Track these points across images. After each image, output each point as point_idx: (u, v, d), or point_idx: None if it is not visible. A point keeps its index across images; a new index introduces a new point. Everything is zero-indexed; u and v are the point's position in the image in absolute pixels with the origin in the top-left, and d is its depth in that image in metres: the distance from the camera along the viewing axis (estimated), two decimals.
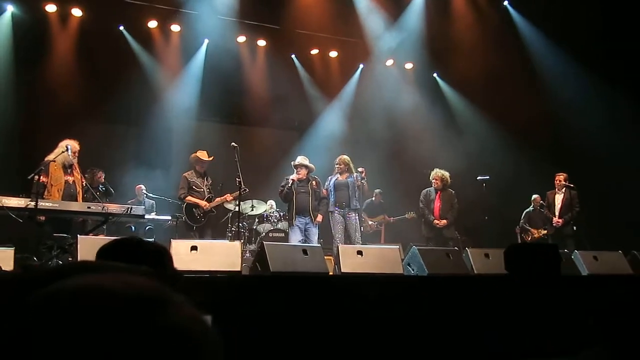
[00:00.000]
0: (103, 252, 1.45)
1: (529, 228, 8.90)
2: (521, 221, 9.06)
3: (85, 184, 6.74)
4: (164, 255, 1.49)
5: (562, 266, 4.41)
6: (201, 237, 7.21)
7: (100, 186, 8.00)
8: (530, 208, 9.03)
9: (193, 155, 7.61)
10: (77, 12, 9.50)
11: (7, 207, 5.40)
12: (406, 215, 9.73)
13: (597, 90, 9.12)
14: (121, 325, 0.49)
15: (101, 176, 8.10)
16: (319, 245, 6.40)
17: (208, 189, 7.53)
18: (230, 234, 8.41)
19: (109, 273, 0.57)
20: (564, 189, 8.20)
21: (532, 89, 9.84)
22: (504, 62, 9.65)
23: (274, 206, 9.11)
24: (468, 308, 3.87)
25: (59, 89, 9.28)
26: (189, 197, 7.40)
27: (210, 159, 7.63)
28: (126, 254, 1.41)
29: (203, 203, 7.37)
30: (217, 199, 7.49)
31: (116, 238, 1.51)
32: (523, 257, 4.27)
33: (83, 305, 0.51)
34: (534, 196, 9.04)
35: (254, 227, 8.86)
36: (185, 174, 7.54)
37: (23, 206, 5.48)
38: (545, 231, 8.55)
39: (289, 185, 7.38)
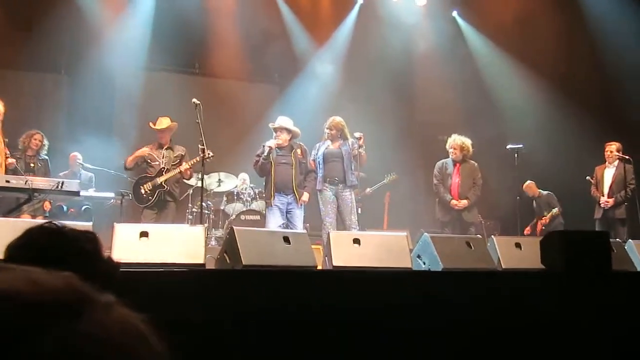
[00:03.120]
0: (12, 249, 1.43)
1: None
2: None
3: (8, 150, 6.57)
4: (90, 245, 1.47)
5: (613, 259, 4.42)
6: (159, 220, 7.20)
7: (43, 154, 7.77)
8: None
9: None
10: None
11: None
12: (385, 180, 9.26)
13: None
14: (28, 335, 0.49)
15: (39, 141, 7.69)
16: (305, 231, 6.39)
17: (173, 163, 7.49)
18: (191, 217, 8.39)
19: (15, 273, 0.57)
20: (617, 161, 8.20)
21: (577, 34, 9.77)
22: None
23: (247, 181, 9.12)
24: (493, 311, 3.87)
25: None
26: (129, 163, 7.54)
27: (164, 126, 7.56)
28: (40, 249, 1.39)
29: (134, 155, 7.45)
30: (170, 172, 7.40)
31: (27, 229, 1.47)
32: (564, 247, 4.27)
33: None
34: (527, 182, 9.36)
35: (222, 208, 8.87)
36: (146, 146, 7.66)
37: None
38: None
39: (267, 154, 7.33)
